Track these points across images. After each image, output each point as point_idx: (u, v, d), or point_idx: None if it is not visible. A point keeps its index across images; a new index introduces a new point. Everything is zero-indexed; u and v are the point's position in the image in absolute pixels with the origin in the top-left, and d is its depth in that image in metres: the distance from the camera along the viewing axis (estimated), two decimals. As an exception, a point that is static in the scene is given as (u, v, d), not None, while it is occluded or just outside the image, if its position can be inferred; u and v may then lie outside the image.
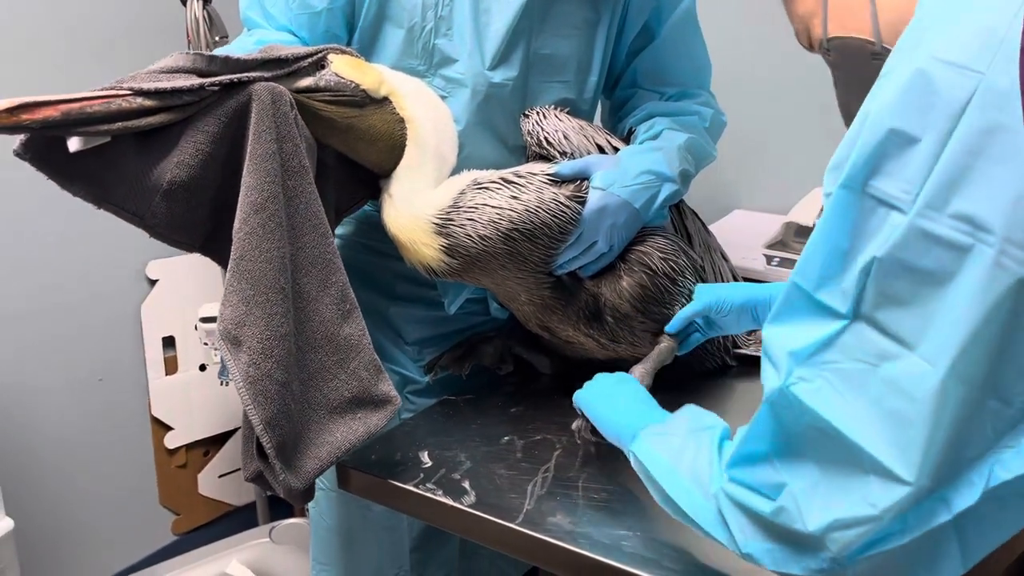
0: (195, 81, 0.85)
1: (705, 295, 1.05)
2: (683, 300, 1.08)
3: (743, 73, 1.62)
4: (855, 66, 0.74)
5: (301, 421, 0.91)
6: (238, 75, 0.88)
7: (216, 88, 0.86)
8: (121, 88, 0.81)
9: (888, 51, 0.64)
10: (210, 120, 0.87)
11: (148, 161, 0.86)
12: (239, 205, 0.87)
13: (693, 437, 0.74)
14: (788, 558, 0.62)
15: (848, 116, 0.79)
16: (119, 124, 0.81)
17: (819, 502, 0.59)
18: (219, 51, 0.94)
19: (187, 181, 0.87)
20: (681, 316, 1.05)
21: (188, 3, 1.74)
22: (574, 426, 1.02)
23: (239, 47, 1.05)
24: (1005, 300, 0.51)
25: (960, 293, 0.52)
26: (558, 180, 1.03)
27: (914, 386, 0.54)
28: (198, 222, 0.92)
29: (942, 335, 0.52)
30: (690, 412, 0.80)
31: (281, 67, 0.92)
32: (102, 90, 0.80)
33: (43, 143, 0.81)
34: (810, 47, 0.80)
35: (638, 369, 1.05)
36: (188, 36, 1.78)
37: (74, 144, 0.80)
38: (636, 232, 1.07)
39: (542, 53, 1.13)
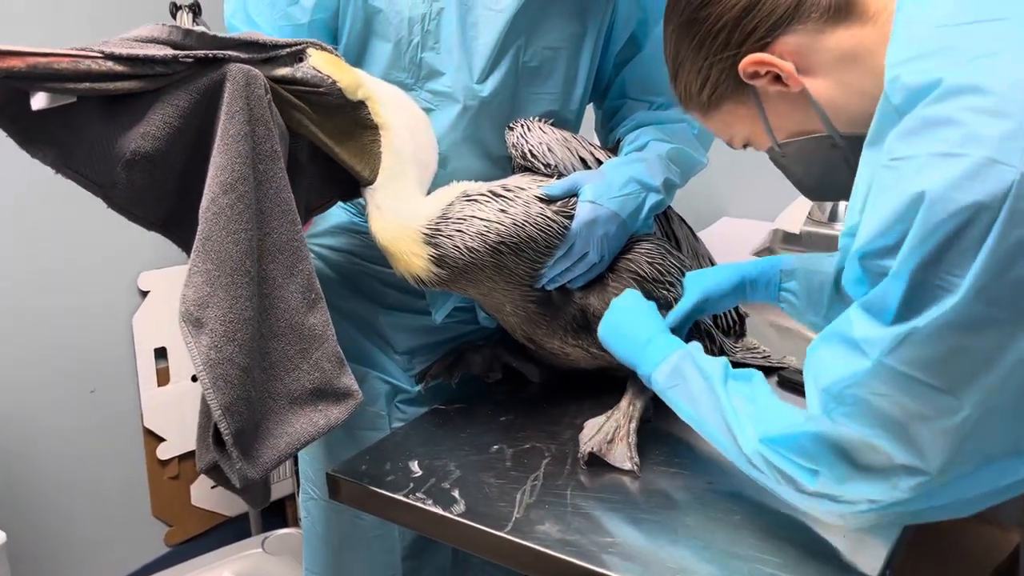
0: (169, 52, 0.83)
1: (697, 286, 1.06)
2: (672, 302, 1.09)
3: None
4: (812, 158, 0.79)
5: (261, 410, 0.89)
6: (214, 51, 0.86)
7: (190, 61, 0.84)
8: (92, 50, 0.79)
9: (845, 136, 0.75)
10: (181, 94, 0.85)
11: (113, 129, 0.84)
12: (207, 184, 0.85)
13: (710, 393, 0.86)
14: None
15: (805, 190, 0.86)
16: (86, 84, 0.78)
17: (849, 488, 0.73)
18: (196, 28, 0.91)
19: (151, 153, 0.85)
20: (680, 311, 1.05)
21: (178, 16, 1.75)
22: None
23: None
24: None
25: (999, 366, 0.61)
26: (548, 200, 1.05)
27: (941, 415, 0.64)
28: (160, 197, 0.90)
29: (973, 390, 0.63)
30: (694, 356, 0.90)
31: (259, 51, 0.90)
32: (73, 49, 0.78)
33: (6, 96, 0.78)
34: (743, 148, 0.85)
35: (636, 379, 1.05)
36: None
37: (38, 101, 0.78)
38: (625, 242, 1.09)
39: (530, 66, 1.14)
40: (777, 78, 0.74)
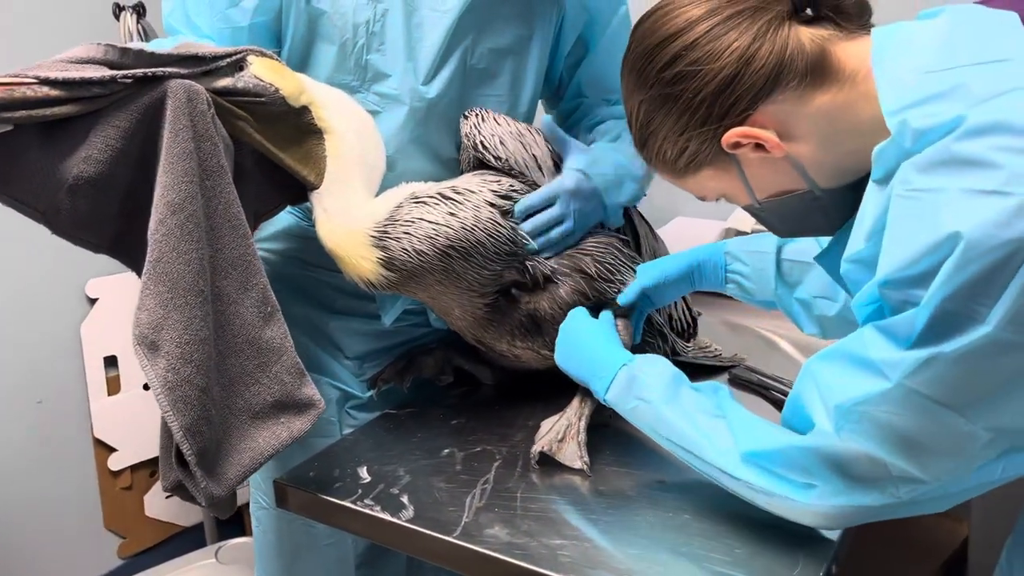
0: (106, 73, 0.81)
1: (647, 274, 1.09)
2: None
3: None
4: (792, 210, 0.81)
5: (222, 427, 0.89)
6: (152, 70, 0.85)
7: (128, 81, 0.83)
8: (26, 76, 0.78)
9: (825, 191, 0.77)
10: (121, 115, 0.84)
11: (53, 155, 0.83)
12: (155, 206, 0.84)
13: (675, 413, 0.86)
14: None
15: (779, 233, 0.88)
16: (22, 113, 0.77)
17: (846, 497, 0.74)
18: (133, 45, 0.90)
19: (94, 177, 0.84)
20: (630, 294, 1.07)
21: (121, 17, 1.71)
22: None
23: (156, 47, 1.03)
24: None
25: (1015, 387, 0.64)
26: (517, 220, 1.04)
27: (950, 433, 0.67)
28: (105, 221, 0.89)
29: (987, 409, 0.65)
30: (652, 368, 0.90)
31: (198, 64, 0.89)
32: (6, 76, 0.77)
33: None
34: (716, 201, 0.86)
35: None
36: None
37: None
38: (594, 225, 1.09)
39: (476, 68, 1.13)
40: (759, 146, 0.75)
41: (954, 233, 0.61)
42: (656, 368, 0.90)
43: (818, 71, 0.72)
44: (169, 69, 0.86)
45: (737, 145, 0.75)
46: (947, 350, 0.63)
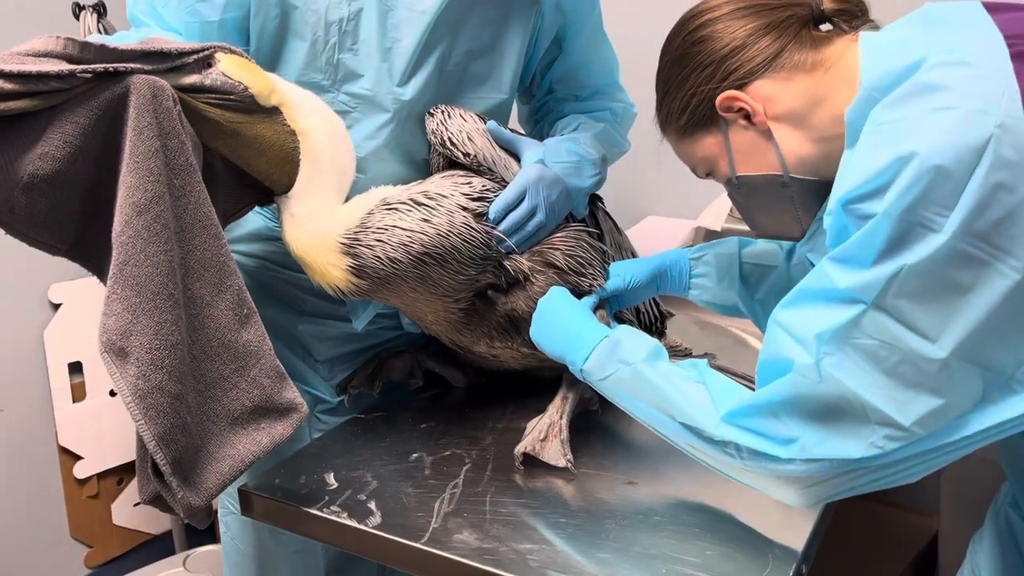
0: (65, 67, 0.78)
1: (619, 274, 1.11)
2: (597, 289, 1.09)
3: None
4: (764, 193, 0.88)
5: (200, 435, 0.87)
6: (115, 65, 0.82)
7: (88, 76, 0.80)
8: None
9: (794, 179, 0.85)
10: (81, 111, 0.81)
11: (8, 151, 0.79)
12: (119, 207, 0.81)
13: (641, 377, 0.87)
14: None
15: (754, 226, 0.95)
16: None
17: (827, 448, 0.73)
18: (94, 38, 0.87)
19: (51, 175, 0.81)
20: (600, 294, 1.09)
21: (81, 16, 1.68)
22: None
23: (120, 40, 0.98)
24: (1008, 298, 0.65)
25: (977, 298, 0.66)
26: (492, 224, 1.03)
27: (924, 362, 0.68)
28: (64, 221, 0.85)
29: (953, 327, 0.66)
30: (622, 341, 0.91)
31: (163, 61, 0.86)
32: None
33: None
34: (705, 177, 0.94)
35: (569, 374, 1.05)
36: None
37: None
38: (563, 216, 1.09)
39: (452, 69, 1.12)
40: (747, 116, 0.84)
41: (911, 149, 0.65)
42: (639, 336, 0.91)
43: (812, 60, 0.82)
44: (132, 65, 0.83)
45: (729, 109, 0.84)
46: (911, 261, 0.66)
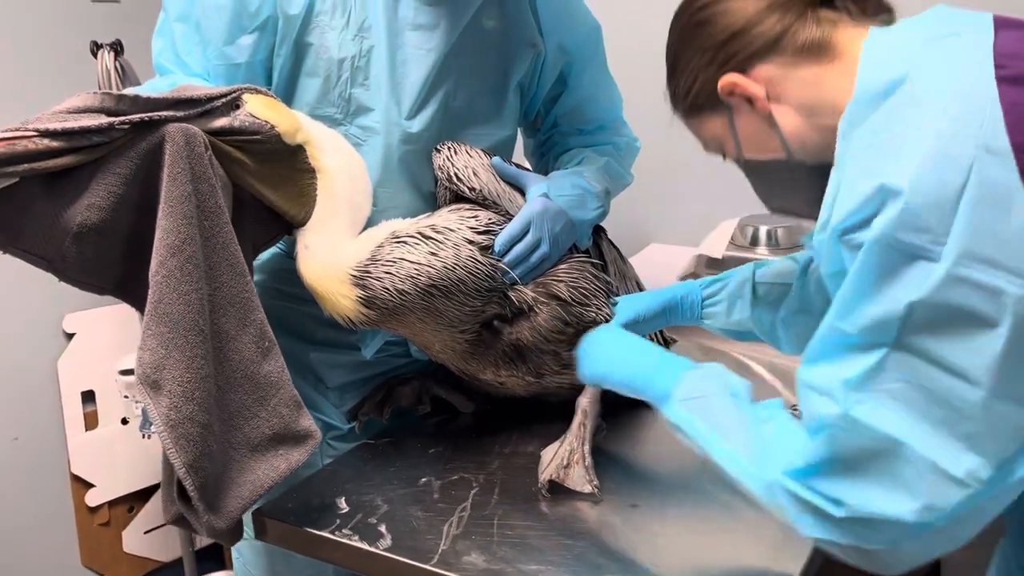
0: (104, 120, 0.83)
1: (628, 308, 1.10)
2: (602, 319, 1.11)
3: (658, 113, 1.69)
4: (772, 175, 0.87)
5: (222, 461, 0.91)
6: (149, 114, 0.87)
7: (126, 127, 0.85)
8: (27, 129, 0.79)
9: (800, 163, 0.82)
10: (122, 161, 0.86)
11: (58, 203, 0.85)
12: (155, 248, 0.86)
13: (736, 412, 0.82)
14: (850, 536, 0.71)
15: (770, 206, 0.93)
16: (25, 166, 0.79)
17: (875, 505, 0.67)
18: (129, 90, 0.92)
19: (98, 224, 0.86)
20: (619, 323, 1.07)
21: (99, 55, 1.73)
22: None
23: (151, 89, 1.04)
24: None
25: (1001, 327, 0.62)
26: (497, 256, 1.06)
27: (961, 402, 0.63)
28: (110, 265, 0.91)
29: (985, 360, 0.62)
30: (716, 374, 0.86)
31: (194, 107, 0.91)
32: (6, 131, 0.79)
33: None
34: (722, 156, 0.91)
35: (583, 400, 1.08)
36: (99, 88, 1.76)
37: None
38: (567, 248, 1.12)
39: (457, 105, 1.16)
40: (749, 101, 0.82)
41: (892, 179, 0.64)
42: (728, 372, 0.87)
43: (813, 46, 0.79)
44: (165, 113, 0.88)
45: (731, 93, 0.82)
46: (915, 296, 0.63)
